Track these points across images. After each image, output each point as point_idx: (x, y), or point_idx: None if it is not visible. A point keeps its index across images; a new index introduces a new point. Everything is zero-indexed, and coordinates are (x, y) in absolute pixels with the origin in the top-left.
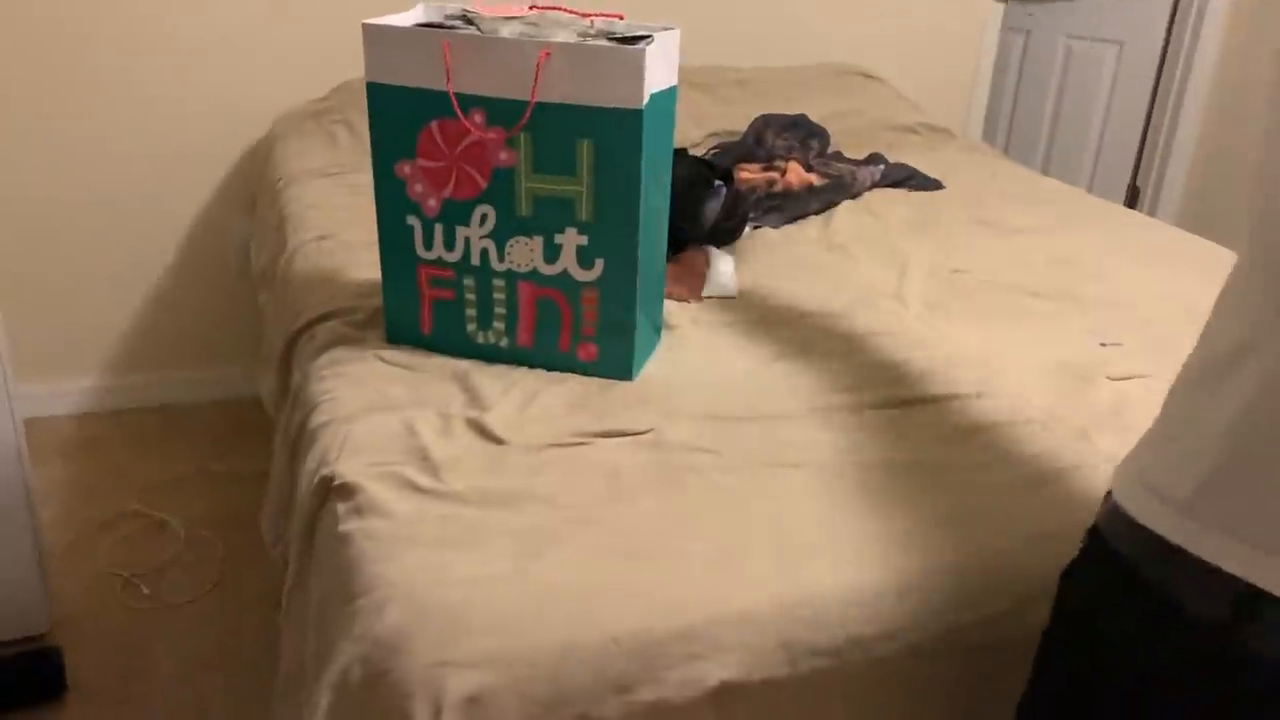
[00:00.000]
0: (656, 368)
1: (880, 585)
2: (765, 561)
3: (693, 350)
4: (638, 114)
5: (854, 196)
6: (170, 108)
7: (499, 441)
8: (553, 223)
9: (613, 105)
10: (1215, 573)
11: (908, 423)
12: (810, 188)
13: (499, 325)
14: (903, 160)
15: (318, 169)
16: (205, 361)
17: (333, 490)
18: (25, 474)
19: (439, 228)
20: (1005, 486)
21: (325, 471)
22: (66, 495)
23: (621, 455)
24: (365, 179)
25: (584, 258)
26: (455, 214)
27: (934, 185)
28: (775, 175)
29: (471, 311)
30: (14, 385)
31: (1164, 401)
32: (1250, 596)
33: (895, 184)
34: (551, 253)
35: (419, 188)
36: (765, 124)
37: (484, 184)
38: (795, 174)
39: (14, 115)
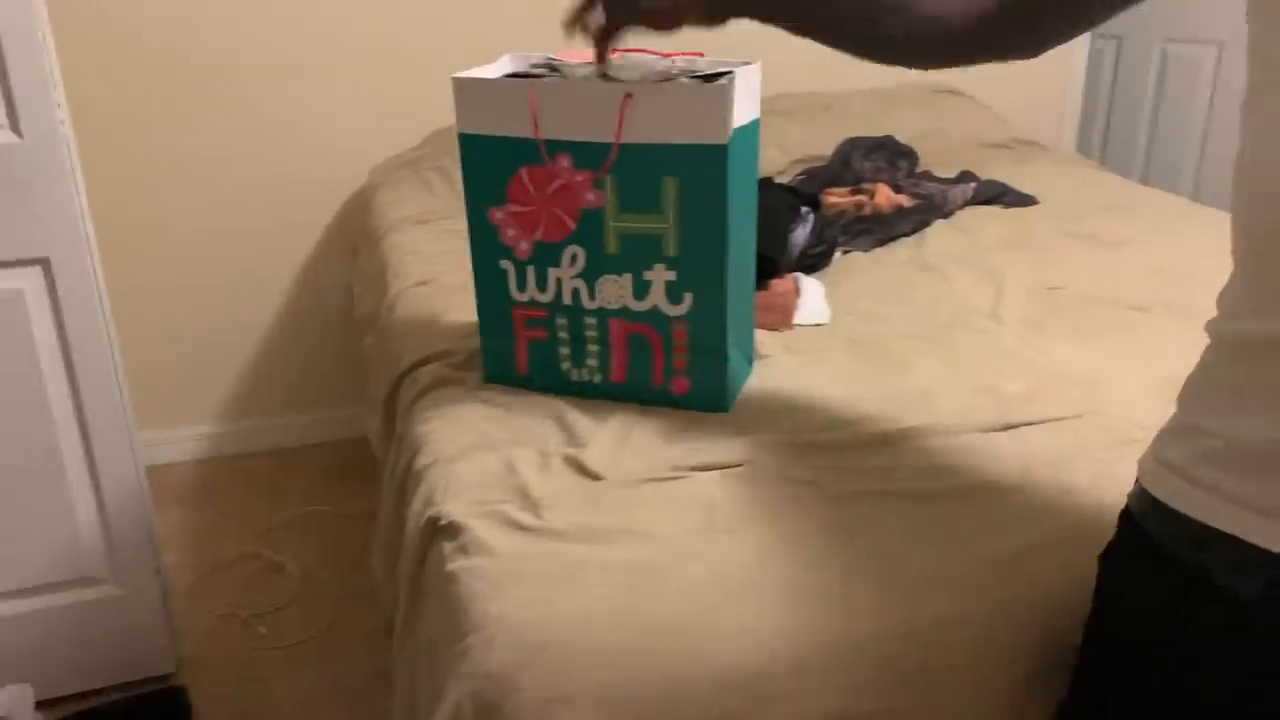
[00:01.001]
0: (750, 398)
1: (990, 611)
2: (870, 592)
3: (786, 379)
4: (721, 149)
5: (945, 216)
6: (273, 163)
7: (596, 478)
8: (641, 260)
9: (696, 142)
10: (1245, 547)
11: (1012, 445)
12: (900, 209)
13: (592, 362)
14: (994, 177)
15: (414, 216)
16: (314, 405)
17: (439, 530)
18: (149, 520)
19: (531, 270)
20: (1115, 507)
21: (431, 512)
22: (186, 539)
23: (718, 488)
24: (460, 224)
25: (673, 293)
26: (546, 256)
27: (1028, 201)
28: (864, 198)
29: (565, 350)
30: (136, 435)
31: (1182, 387)
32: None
33: (987, 201)
34: (641, 289)
35: (511, 232)
36: (852, 147)
37: (573, 225)
38: (884, 196)
39: (130, 176)
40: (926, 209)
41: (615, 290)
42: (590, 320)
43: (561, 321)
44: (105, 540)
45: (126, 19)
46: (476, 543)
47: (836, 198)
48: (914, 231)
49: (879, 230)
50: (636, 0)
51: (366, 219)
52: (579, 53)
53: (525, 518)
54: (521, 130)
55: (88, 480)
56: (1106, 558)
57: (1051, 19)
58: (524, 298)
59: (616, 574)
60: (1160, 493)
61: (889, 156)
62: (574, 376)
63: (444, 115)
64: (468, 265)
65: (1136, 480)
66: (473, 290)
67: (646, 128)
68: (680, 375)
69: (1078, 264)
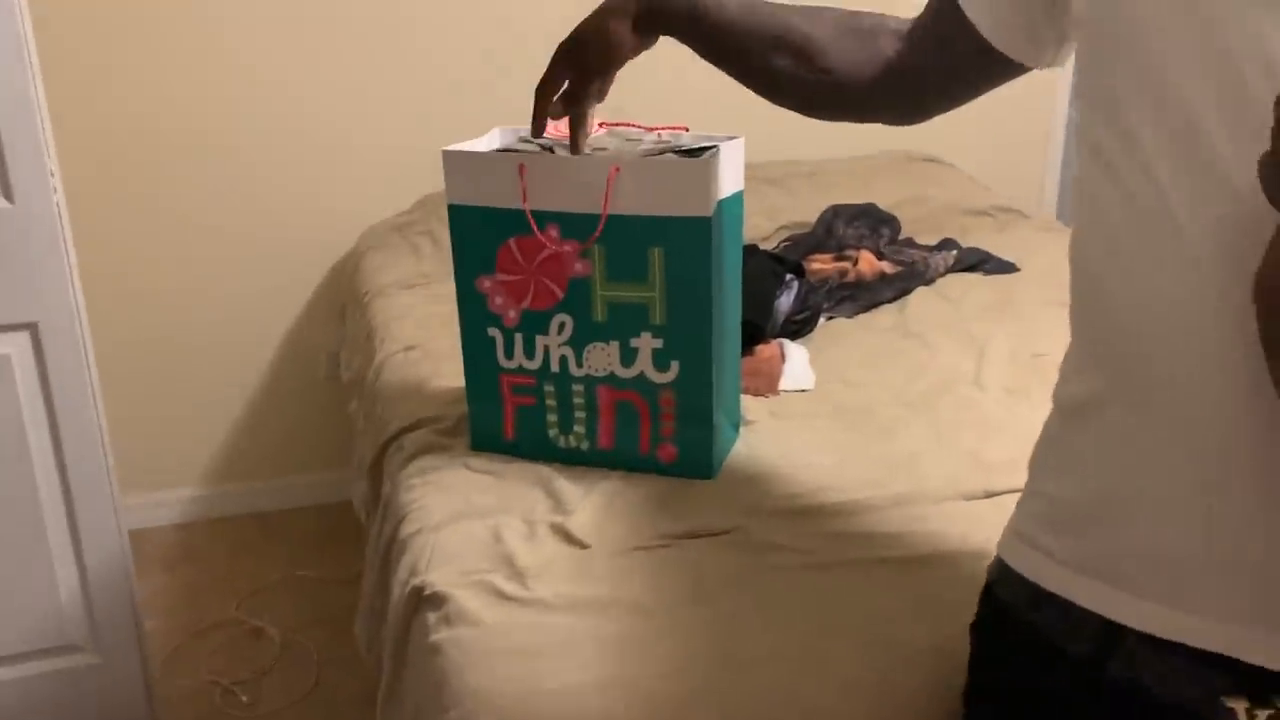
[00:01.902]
0: (736, 464)
1: None
2: (857, 661)
3: (772, 445)
4: (706, 222)
5: (928, 283)
6: (262, 227)
7: (583, 546)
8: (628, 328)
9: (681, 214)
10: (1075, 609)
11: (997, 513)
12: (883, 276)
13: (579, 429)
14: (976, 244)
15: (403, 281)
16: (299, 468)
17: (423, 600)
18: (131, 586)
19: (519, 337)
20: None
21: (416, 581)
22: (168, 604)
23: (706, 556)
24: (448, 289)
25: (660, 360)
26: (534, 324)
27: (1009, 268)
28: (847, 265)
29: (553, 417)
30: (119, 498)
31: (1030, 457)
32: (1111, 630)
33: (969, 268)
34: (628, 356)
35: (499, 300)
36: (835, 214)
37: (561, 294)
38: (867, 263)
39: (119, 240)
40: (909, 276)
41: (603, 357)
42: (577, 387)
43: (549, 388)
44: (86, 607)
45: (120, 87)
46: (461, 613)
47: (820, 264)
48: (896, 298)
49: (862, 297)
50: (580, 48)
51: (355, 283)
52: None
53: (511, 587)
54: (510, 202)
55: (70, 546)
56: (973, 629)
57: (932, 94)
58: (512, 365)
59: (603, 646)
60: (1006, 556)
61: (871, 224)
62: (561, 443)
63: (433, 180)
64: (455, 330)
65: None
66: (460, 356)
67: (633, 200)
68: (667, 442)
69: (1060, 331)
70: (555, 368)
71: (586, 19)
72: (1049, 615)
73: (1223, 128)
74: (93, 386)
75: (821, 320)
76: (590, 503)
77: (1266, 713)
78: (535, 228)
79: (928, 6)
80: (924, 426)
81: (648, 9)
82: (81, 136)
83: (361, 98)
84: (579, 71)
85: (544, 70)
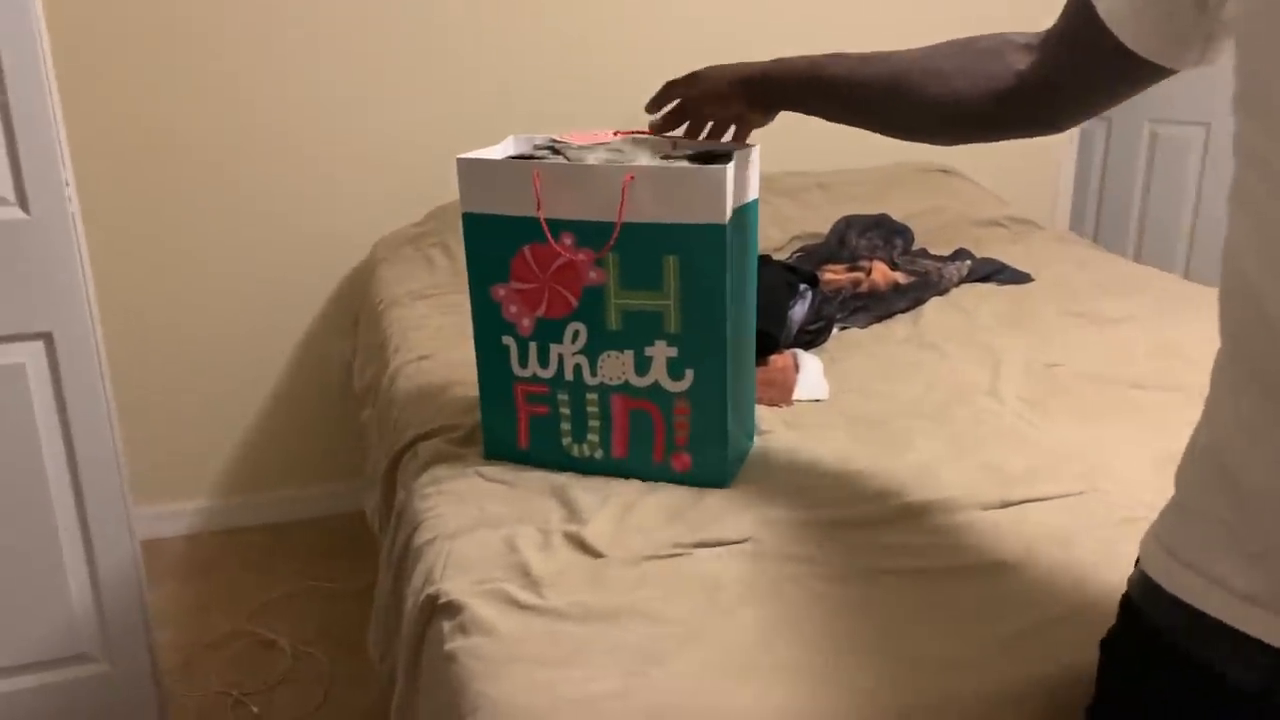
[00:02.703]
0: (751, 474)
1: (992, 693)
2: (872, 672)
3: (786, 455)
4: (721, 229)
5: (942, 293)
6: (276, 239)
7: (598, 555)
8: (642, 336)
9: (696, 222)
10: (1250, 641)
11: (1013, 524)
12: (896, 286)
13: (594, 438)
14: (989, 254)
15: (416, 291)
16: (311, 479)
17: (438, 609)
18: (143, 597)
19: (533, 346)
20: (1118, 586)
21: (430, 590)
22: (180, 615)
23: (720, 566)
24: (461, 299)
25: (674, 369)
26: (548, 332)
27: (1023, 278)
28: (860, 275)
29: (567, 425)
30: (132, 509)
31: (1177, 473)
32: None
33: (983, 279)
34: (642, 365)
35: (513, 309)
36: (848, 225)
37: (575, 303)
38: (880, 273)
39: (125, 247)
40: (922, 286)
41: (617, 366)
42: (592, 396)
43: (563, 397)
44: (99, 618)
45: (135, 98)
46: (476, 622)
47: (834, 275)
48: (910, 308)
49: (876, 307)
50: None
51: (368, 293)
52: (581, 134)
53: (526, 596)
54: (525, 210)
55: (83, 556)
56: (1109, 646)
57: (1070, 104)
58: (526, 373)
59: (618, 656)
60: (1164, 581)
61: (885, 234)
62: (575, 452)
63: (446, 192)
64: (469, 340)
65: (1137, 563)
66: (474, 365)
67: (648, 208)
68: (681, 452)
69: (1074, 341)
70: (569, 376)
71: (709, 69)
72: (1213, 643)
73: None
74: (106, 396)
75: (835, 330)
76: (605, 512)
77: None
78: (550, 235)
79: (1062, 13)
80: (940, 437)
81: (763, 75)
82: (96, 148)
83: (375, 109)
84: (694, 117)
85: (655, 86)
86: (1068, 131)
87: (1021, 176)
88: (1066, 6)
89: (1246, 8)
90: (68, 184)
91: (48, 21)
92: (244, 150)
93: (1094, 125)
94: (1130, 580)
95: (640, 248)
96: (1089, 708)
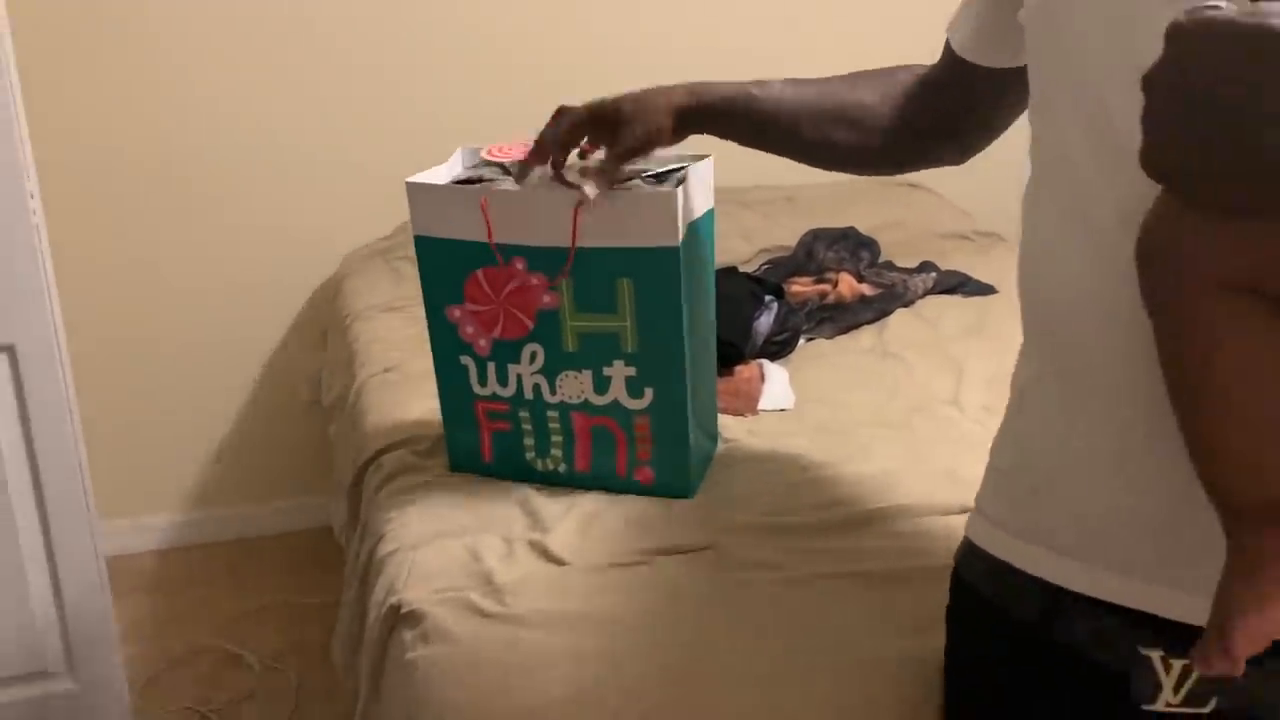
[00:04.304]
0: (714, 482)
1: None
2: (832, 676)
3: (749, 464)
4: (674, 251)
5: (907, 305)
6: (243, 252)
7: (561, 563)
8: (600, 357)
9: (649, 245)
10: (1025, 577)
11: None
12: (862, 298)
13: (557, 452)
14: (955, 267)
15: (384, 304)
16: (280, 493)
17: (400, 618)
18: (108, 612)
19: (491, 365)
20: None
21: (393, 600)
22: (148, 631)
23: (681, 573)
24: None
25: (633, 388)
26: (506, 353)
27: (987, 290)
28: (827, 287)
29: (529, 441)
30: (97, 524)
31: (993, 439)
32: (1051, 593)
33: (948, 290)
34: (601, 384)
35: (469, 330)
36: (815, 238)
37: (530, 325)
38: (847, 285)
39: (91, 258)
40: (888, 298)
41: (576, 385)
42: (552, 414)
43: (524, 414)
44: (63, 633)
45: (100, 111)
46: (438, 630)
47: (801, 287)
48: (876, 320)
49: (842, 318)
50: (616, 119)
51: (336, 307)
52: (523, 144)
53: (488, 604)
54: (476, 234)
55: (47, 572)
56: (947, 615)
57: (975, 128)
58: (486, 392)
59: (579, 661)
60: (969, 533)
61: (851, 247)
62: (539, 466)
63: None
64: None
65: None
66: None
67: (599, 232)
68: (644, 465)
69: None
70: (529, 395)
71: (631, 95)
72: (1002, 585)
73: (1128, 108)
74: (71, 410)
75: (801, 341)
76: (569, 521)
77: (1181, 663)
78: (501, 260)
79: (940, 59)
80: (901, 445)
81: (697, 100)
82: (62, 159)
83: (340, 123)
84: (607, 141)
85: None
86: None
87: (987, 190)
88: (942, 54)
89: (1027, 13)
90: (32, 196)
91: (12, 32)
92: (211, 162)
93: None
94: (956, 551)
95: (593, 271)
96: (943, 682)
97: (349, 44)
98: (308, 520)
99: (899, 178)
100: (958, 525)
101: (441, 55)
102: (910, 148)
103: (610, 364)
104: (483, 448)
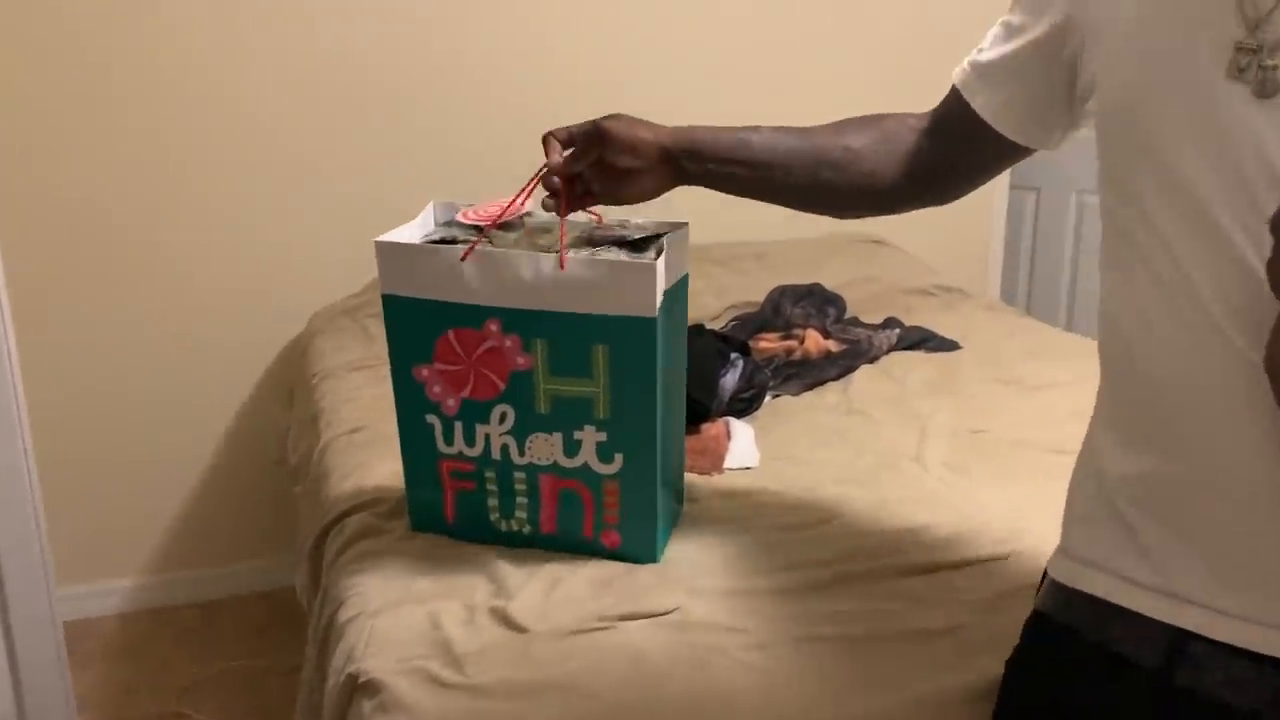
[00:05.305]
0: (680, 544)
1: None
2: None
3: (716, 523)
4: (651, 322)
5: (872, 361)
6: (211, 309)
7: (522, 630)
8: (571, 421)
9: (626, 314)
10: (1150, 623)
11: (937, 589)
12: (828, 354)
13: (522, 514)
14: (920, 322)
15: (351, 362)
16: (245, 555)
17: (358, 688)
18: (66, 680)
19: (459, 425)
20: None
21: (351, 669)
22: (106, 698)
23: (646, 638)
24: None
25: (604, 453)
26: (474, 413)
27: (951, 346)
28: (794, 344)
29: (494, 501)
30: (54, 589)
31: (1069, 495)
32: (1179, 640)
33: (912, 346)
34: (572, 448)
35: (438, 389)
36: (782, 294)
37: (502, 386)
38: (813, 341)
39: (55, 316)
40: (853, 354)
41: (546, 448)
42: (520, 474)
43: (490, 474)
44: (17, 703)
45: (64, 173)
46: (396, 702)
47: (768, 343)
48: (841, 376)
49: (808, 375)
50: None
51: (303, 366)
52: (498, 203)
53: (448, 675)
54: (448, 294)
55: (1, 641)
56: (1016, 664)
57: (960, 180)
58: (451, 451)
59: None
60: (1070, 581)
61: (818, 303)
62: (503, 527)
63: None
64: None
65: (1041, 582)
66: None
67: (576, 297)
68: (611, 530)
69: (1000, 408)
70: (496, 455)
71: (621, 121)
72: (1118, 629)
73: (1228, 212)
74: (29, 472)
75: (768, 398)
76: (532, 586)
77: None
78: (474, 321)
79: (943, 102)
80: (866, 503)
81: (690, 144)
82: (22, 216)
83: (312, 180)
84: (607, 178)
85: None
86: (996, 204)
87: (953, 247)
88: (946, 99)
89: (1102, 107)
90: None
91: None
92: (177, 219)
93: (1023, 196)
94: (1039, 596)
95: (569, 336)
96: None
97: (317, 101)
98: (274, 581)
99: (865, 234)
100: (924, 586)
101: (410, 111)
102: (902, 192)
103: (582, 428)
104: (445, 508)
